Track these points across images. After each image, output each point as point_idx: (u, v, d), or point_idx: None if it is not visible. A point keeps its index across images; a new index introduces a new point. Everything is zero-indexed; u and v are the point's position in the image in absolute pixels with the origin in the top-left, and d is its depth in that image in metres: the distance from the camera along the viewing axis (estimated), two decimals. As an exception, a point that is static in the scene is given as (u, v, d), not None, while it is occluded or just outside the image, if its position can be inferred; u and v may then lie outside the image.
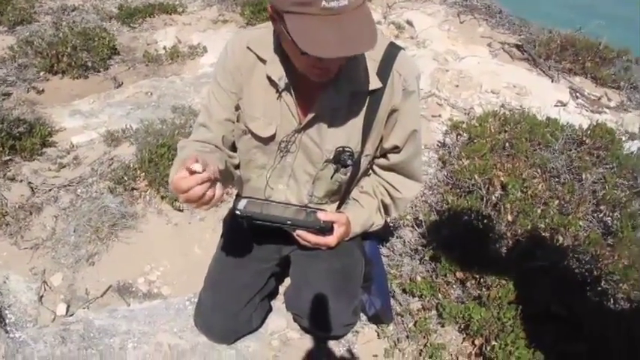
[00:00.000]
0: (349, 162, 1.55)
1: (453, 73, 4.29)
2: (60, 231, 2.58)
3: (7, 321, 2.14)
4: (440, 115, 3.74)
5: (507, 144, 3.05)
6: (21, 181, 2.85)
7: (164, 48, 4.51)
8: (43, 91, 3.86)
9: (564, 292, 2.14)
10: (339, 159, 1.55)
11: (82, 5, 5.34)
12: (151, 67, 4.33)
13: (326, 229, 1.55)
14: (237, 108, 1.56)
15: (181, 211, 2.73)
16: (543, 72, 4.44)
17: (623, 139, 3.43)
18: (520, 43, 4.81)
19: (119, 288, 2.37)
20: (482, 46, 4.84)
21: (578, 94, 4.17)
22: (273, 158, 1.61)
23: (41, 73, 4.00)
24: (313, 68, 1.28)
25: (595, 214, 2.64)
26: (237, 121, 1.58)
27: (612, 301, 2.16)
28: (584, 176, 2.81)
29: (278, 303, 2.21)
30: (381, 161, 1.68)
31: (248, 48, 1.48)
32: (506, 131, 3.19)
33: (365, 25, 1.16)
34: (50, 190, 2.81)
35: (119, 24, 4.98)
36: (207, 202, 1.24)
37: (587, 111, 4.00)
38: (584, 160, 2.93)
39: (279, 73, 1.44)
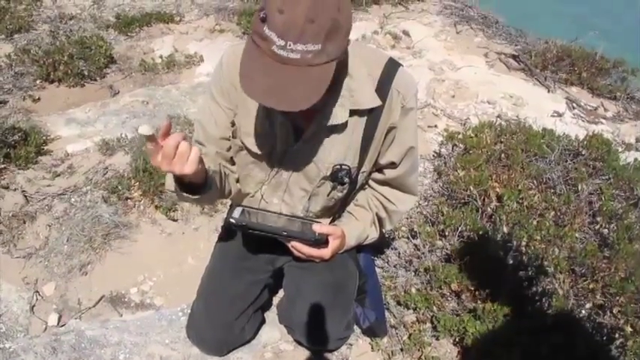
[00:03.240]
0: (346, 179, 1.54)
1: (449, 84, 4.30)
2: (53, 240, 2.57)
3: (-3, 331, 2.13)
4: (436, 126, 3.74)
5: (503, 155, 3.05)
6: (15, 189, 2.83)
7: (161, 57, 4.50)
8: (39, 99, 3.84)
9: (560, 305, 2.13)
10: (336, 176, 1.54)
11: (80, 14, 5.33)
12: (147, 75, 4.32)
13: (321, 241, 1.54)
14: (233, 124, 1.55)
15: (175, 221, 2.72)
16: (540, 82, 4.45)
17: (620, 149, 3.44)
18: (516, 54, 4.83)
19: (112, 298, 2.35)
20: (479, 57, 4.85)
21: (574, 104, 4.18)
22: (268, 173, 1.60)
23: (37, 81, 3.99)
24: None
25: (591, 226, 2.63)
26: (234, 137, 1.57)
27: (608, 314, 2.15)
28: (580, 187, 2.81)
29: (271, 314, 2.19)
30: (377, 175, 1.67)
31: None
32: (502, 142, 3.19)
33: (302, 87, 1.13)
34: (44, 198, 2.79)
35: (116, 33, 4.97)
36: (183, 156, 1.20)
37: (583, 121, 4.01)
38: (581, 171, 2.93)
39: None
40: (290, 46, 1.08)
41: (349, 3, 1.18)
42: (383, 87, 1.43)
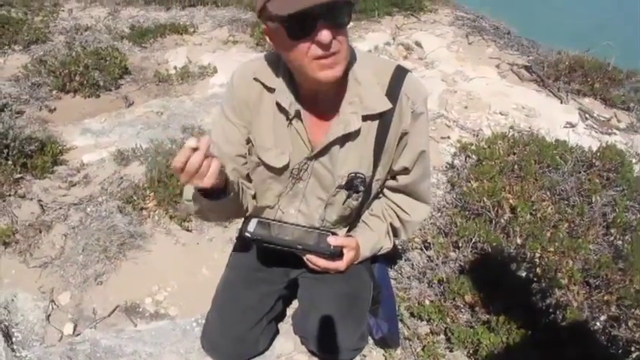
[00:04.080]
0: (361, 188, 1.55)
1: (461, 94, 4.30)
2: (69, 250, 2.59)
3: (13, 339, 2.15)
4: (449, 137, 3.74)
5: (516, 166, 3.05)
6: (31, 199, 2.87)
7: (175, 68, 4.55)
8: (55, 109, 3.90)
9: (575, 317, 2.12)
10: (352, 185, 1.55)
11: (95, 25, 5.42)
12: (161, 86, 4.36)
13: (336, 253, 1.54)
14: (248, 141, 1.57)
15: (190, 231, 2.74)
16: (552, 93, 4.44)
17: (634, 161, 3.42)
18: (529, 64, 4.83)
19: (126, 308, 2.37)
20: (491, 67, 4.86)
21: (587, 115, 4.16)
22: (286, 185, 1.62)
23: (53, 92, 4.06)
24: (314, 59, 1.26)
25: (605, 238, 2.62)
26: (250, 154, 1.59)
27: (624, 327, 2.14)
28: (593, 199, 2.80)
29: (286, 326, 2.20)
30: (390, 182, 1.68)
31: (255, 79, 1.48)
32: (515, 153, 3.19)
33: None
34: (60, 208, 2.83)
35: (131, 44, 5.04)
36: (204, 173, 1.25)
37: (596, 132, 3.99)
38: (594, 183, 2.92)
39: (288, 100, 1.45)
40: None
41: None
42: (392, 92, 1.45)
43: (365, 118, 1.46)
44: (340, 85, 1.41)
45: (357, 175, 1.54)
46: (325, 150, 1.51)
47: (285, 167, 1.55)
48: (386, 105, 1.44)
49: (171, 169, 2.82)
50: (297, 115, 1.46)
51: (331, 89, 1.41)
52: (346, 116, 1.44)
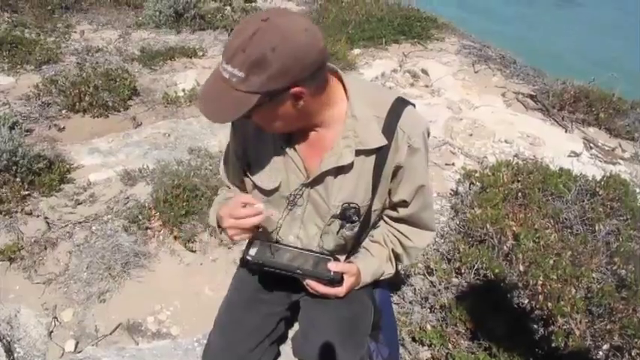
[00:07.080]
0: (355, 218, 1.56)
1: (467, 122, 4.33)
2: (73, 267, 2.61)
3: (15, 355, 2.15)
4: (453, 164, 3.76)
5: (520, 194, 3.06)
6: (38, 216, 2.90)
7: (183, 90, 4.60)
8: (64, 128, 3.94)
9: (577, 346, 2.11)
10: (345, 215, 1.55)
11: (106, 47, 5.50)
12: (169, 108, 4.41)
13: (335, 279, 1.55)
14: (247, 166, 1.63)
15: (194, 252, 2.75)
16: (557, 122, 4.47)
17: (638, 190, 3.42)
18: (534, 94, 4.87)
19: (128, 326, 2.37)
20: (497, 96, 4.89)
21: (591, 144, 4.19)
22: (282, 211, 1.64)
23: (63, 111, 4.10)
24: None
25: (608, 266, 2.62)
26: (246, 175, 1.63)
27: (627, 356, 2.12)
28: (597, 227, 2.80)
29: (287, 348, 2.18)
30: (391, 213, 1.69)
31: None
32: (519, 181, 3.20)
33: (223, 103, 1.24)
34: (66, 226, 2.85)
35: (140, 66, 5.11)
36: (251, 231, 1.46)
37: (600, 162, 4.01)
38: (598, 212, 2.92)
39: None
40: (224, 65, 1.21)
41: (295, 49, 1.19)
42: (389, 126, 1.45)
43: (359, 152, 1.47)
44: (336, 119, 1.43)
45: (351, 205, 1.55)
46: (320, 179, 1.52)
47: (275, 190, 1.57)
48: (381, 141, 1.44)
49: (177, 190, 2.92)
50: (290, 143, 1.49)
51: (326, 124, 1.44)
52: (339, 149, 1.46)
